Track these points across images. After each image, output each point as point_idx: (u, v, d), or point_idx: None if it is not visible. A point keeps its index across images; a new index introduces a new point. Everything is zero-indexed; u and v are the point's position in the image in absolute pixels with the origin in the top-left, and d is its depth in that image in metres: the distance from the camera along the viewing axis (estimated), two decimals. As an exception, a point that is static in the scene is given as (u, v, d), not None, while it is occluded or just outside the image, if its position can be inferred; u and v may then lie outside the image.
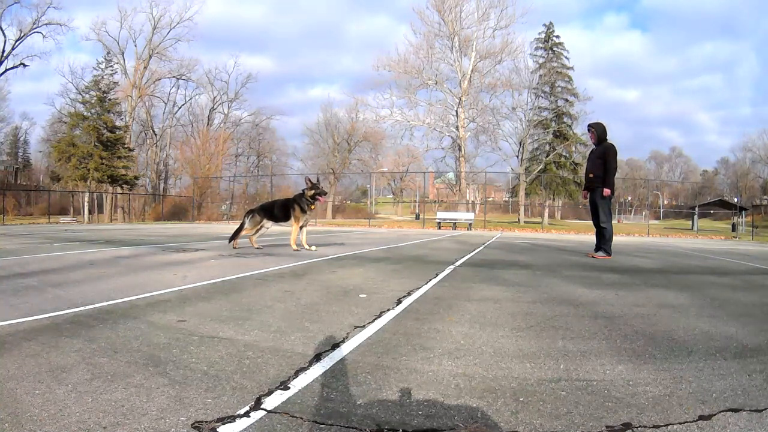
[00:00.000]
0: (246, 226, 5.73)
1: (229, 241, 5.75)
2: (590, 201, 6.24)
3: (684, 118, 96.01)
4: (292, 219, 5.67)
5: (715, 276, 4.25)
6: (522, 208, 35.35)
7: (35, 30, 31.22)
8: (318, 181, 5.90)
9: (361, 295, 2.67)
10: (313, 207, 5.76)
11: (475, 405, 1.18)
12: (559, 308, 2.46)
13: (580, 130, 32.87)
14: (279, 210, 5.77)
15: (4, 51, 30.71)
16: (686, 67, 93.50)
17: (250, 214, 5.82)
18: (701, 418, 1.11)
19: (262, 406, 1.13)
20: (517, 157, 35.34)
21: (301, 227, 5.77)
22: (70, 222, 26.07)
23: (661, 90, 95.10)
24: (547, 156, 33.83)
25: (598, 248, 6.04)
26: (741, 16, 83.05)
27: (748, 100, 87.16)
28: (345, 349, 1.61)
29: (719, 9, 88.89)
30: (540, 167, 33.29)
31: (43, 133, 43.05)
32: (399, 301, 2.51)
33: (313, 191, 5.68)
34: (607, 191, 5.89)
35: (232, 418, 1.07)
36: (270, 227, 5.88)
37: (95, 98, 28.96)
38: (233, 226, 19.02)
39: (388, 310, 2.29)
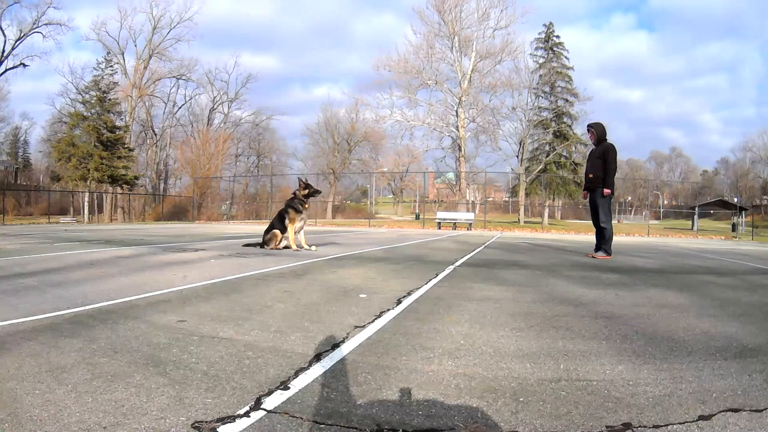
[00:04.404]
0: (270, 244, 5.79)
1: (261, 247, 5.86)
2: (590, 201, 6.24)
3: (687, 118, 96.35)
4: (287, 221, 5.72)
5: (715, 276, 4.25)
6: (522, 208, 35.33)
7: (35, 30, 31.24)
8: (308, 181, 6.03)
9: (361, 295, 2.67)
10: (307, 206, 5.83)
11: (475, 405, 1.18)
12: (559, 308, 2.46)
13: (580, 130, 32.88)
14: (278, 222, 5.86)
15: (4, 51, 30.73)
16: (691, 68, 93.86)
17: (267, 233, 5.91)
18: (701, 418, 1.11)
19: (262, 406, 1.13)
20: (517, 157, 35.36)
21: (300, 228, 5.83)
22: (70, 222, 26.07)
23: (665, 90, 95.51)
24: (547, 156, 33.81)
25: (598, 248, 6.03)
26: (746, 17, 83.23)
27: (752, 101, 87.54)
28: (345, 349, 1.61)
29: (725, 10, 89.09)
30: (540, 167, 33.26)
31: (43, 133, 43.15)
32: (399, 301, 2.51)
33: (306, 190, 5.81)
34: (607, 191, 5.89)
35: (232, 418, 1.07)
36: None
37: (95, 98, 28.97)
38: (233, 226, 19.17)
39: (388, 310, 2.29)
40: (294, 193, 5.86)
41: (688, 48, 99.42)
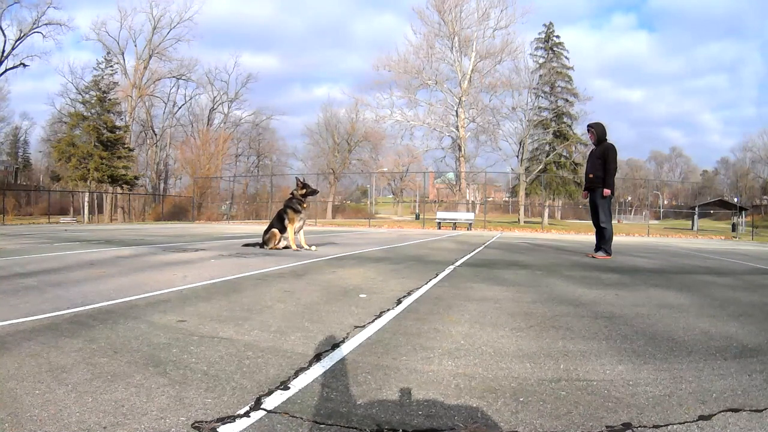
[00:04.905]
0: (269, 244, 5.80)
1: (261, 247, 5.87)
2: (590, 201, 6.24)
3: (687, 118, 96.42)
4: (287, 222, 5.73)
5: (715, 276, 4.25)
6: (522, 208, 35.34)
7: (35, 30, 31.22)
8: (305, 180, 6.05)
9: (361, 295, 2.67)
10: (305, 205, 5.84)
11: (475, 405, 1.18)
12: (559, 308, 2.46)
13: (580, 130, 32.88)
14: (277, 222, 5.86)
15: (4, 51, 30.72)
16: (691, 68, 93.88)
17: (266, 233, 5.92)
18: (701, 418, 1.11)
19: (262, 406, 1.13)
20: (517, 157, 35.36)
21: (299, 228, 5.83)
22: (70, 222, 26.07)
23: (665, 90, 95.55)
24: (547, 156, 33.81)
25: (598, 248, 6.04)
26: (746, 17, 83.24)
27: (752, 101, 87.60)
28: (345, 349, 1.61)
29: (725, 10, 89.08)
30: (540, 167, 33.26)
31: (43, 133, 43.12)
32: (399, 301, 2.51)
33: (304, 190, 5.84)
34: (607, 191, 5.89)
35: (232, 418, 1.07)
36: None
37: (95, 98, 28.97)
38: (233, 226, 19.17)
39: (388, 310, 2.29)
40: (292, 193, 5.88)
41: (689, 48, 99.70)
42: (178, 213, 30.25)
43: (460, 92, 35.47)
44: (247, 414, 1.09)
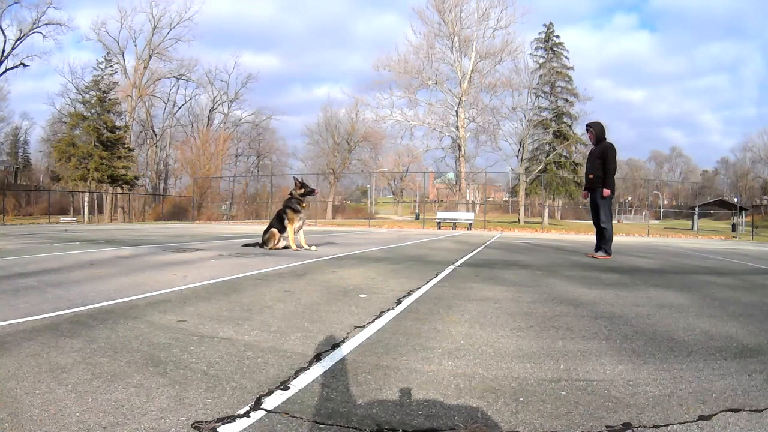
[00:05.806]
0: (268, 244, 5.80)
1: (261, 247, 5.87)
2: (590, 201, 6.24)
3: (688, 118, 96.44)
4: (286, 222, 5.73)
5: (715, 276, 4.25)
6: (522, 208, 35.34)
7: (35, 30, 31.23)
8: (303, 180, 6.07)
9: (361, 295, 2.67)
10: (304, 205, 5.85)
11: (475, 405, 1.18)
12: (559, 308, 2.45)
13: (580, 130, 32.84)
14: (277, 222, 5.86)
15: (4, 51, 30.72)
16: (692, 68, 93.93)
17: (266, 233, 5.92)
18: (701, 418, 1.11)
19: (262, 406, 1.13)
20: (517, 157, 35.37)
21: (299, 228, 5.84)
22: (70, 222, 26.06)
23: (666, 90, 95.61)
24: (547, 156, 33.81)
25: (598, 248, 6.04)
26: (747, 17, 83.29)
27: (752, 101, 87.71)
28: (345, 349, 1.61)
29: (726, 10, 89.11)
30: (540, 167, 33.25)
31: (43, 133, 43.10)
32: (399, 301, 2.51)
33: (302, 189, 5.85)
34: (607, 191, 5.89)
35: (232, 418, 1.07)
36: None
37: (95, 98, 28.98)
38: (233, 226, 19.17)
39: (388, 310, 2.29)
40: (291, 193, 5.89)
41: (690, 48, 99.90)
42: (178, 213, 30.26)
43: (460, 92, 35.47)
44: (247, 414, 1.09)
